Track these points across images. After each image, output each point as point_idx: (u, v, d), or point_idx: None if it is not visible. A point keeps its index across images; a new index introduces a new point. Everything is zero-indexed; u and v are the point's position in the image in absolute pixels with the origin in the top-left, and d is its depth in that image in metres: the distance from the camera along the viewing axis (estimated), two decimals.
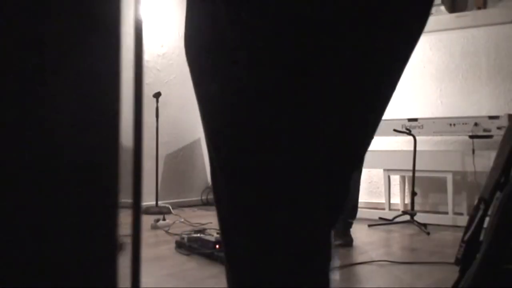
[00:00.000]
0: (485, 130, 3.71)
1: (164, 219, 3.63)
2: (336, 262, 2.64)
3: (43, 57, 0.48)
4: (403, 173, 4.23)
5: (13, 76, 0.46)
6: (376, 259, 2.56)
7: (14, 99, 0.46)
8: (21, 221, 0.47)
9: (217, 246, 2.48)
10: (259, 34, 0.75)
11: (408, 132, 3.87)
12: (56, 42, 0.49)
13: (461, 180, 4.11)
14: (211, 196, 4.91)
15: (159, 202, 4.50)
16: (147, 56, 4.87)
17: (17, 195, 0.47)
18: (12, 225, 0.47)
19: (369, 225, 3.72)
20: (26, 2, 0.47)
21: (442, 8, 4.30)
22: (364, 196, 4.29)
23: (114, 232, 0.54)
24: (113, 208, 0.54)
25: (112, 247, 0.54)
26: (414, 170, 3.75)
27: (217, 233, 2.69)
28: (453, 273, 1.48)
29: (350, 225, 3.08)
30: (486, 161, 3.54)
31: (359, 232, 3.36)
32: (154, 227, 3.57)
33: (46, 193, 0.49)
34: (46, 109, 0.48)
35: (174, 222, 3.62)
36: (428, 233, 3.41)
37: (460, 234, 1.48)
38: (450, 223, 3.83)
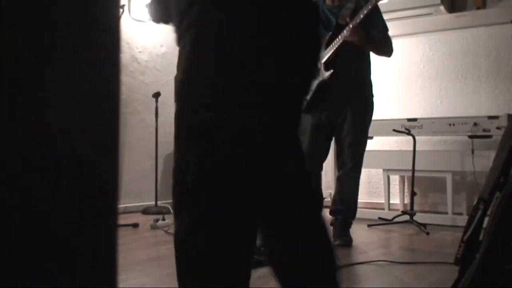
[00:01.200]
0: (484, 130, 3.71)
1: (163, 219, 3.63)
2: None
3: (43, 59, 0.48)
4: (403, 173, 4.23)
5: (12, 79, 0.46)
6: (376, 259, 2.55)
7: (14, 102, 0.46)
8: (20, 220, 0.47)
9: None
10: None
11: (408, 132, 3.87)
12: (55, 43, 0.49)
13: (461, 180, 4.11)
14: None
15: (159, 202, 4.51)
16: (147, 56, 4.87)
17: (16, 195, 0.47)
18: (10, 224, 0.47)
19: (369, 225, 3.72)
20: (26, 5, 0.47)
21: (442, 8, 4.30)
22: (363, 196, 4.29)
23: (113, 231, 0.54)
24: (112, 208, 0.54)
25: (111, 247, 0.54)
26: (413, 170, 3.76)
27: None
28: (452, 273, 1.48)
29: (349, 225, 3.08)
30: (485, 161, 3.54)
31: (358, 232, 3.36)
32: (154, 227, 3.57)
33: (45, 192, 0.49)
34: (45, 110, 0.48)
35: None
36: (428, 233, 3.41)
37: (459, 234, 1.48)
38: (449, 223, 3.83)
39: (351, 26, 2.84)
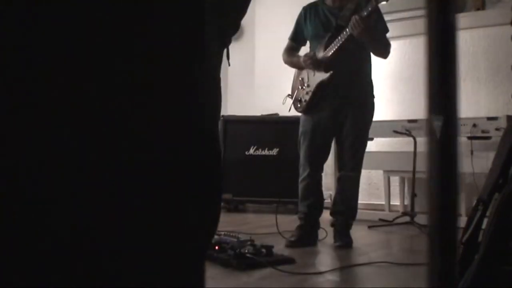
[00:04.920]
0: (483, 132, 3.71)
1: None
2: (335, 263, 2.65)
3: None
4: (403, 175, 4.24)
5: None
6: (376, 261, 2.56)
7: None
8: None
9: (217, 247, 2.48)
10: None
11: (408, 133, 3.87)
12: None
13: (460, 181, 4.11)
14: None
15: None
16: None
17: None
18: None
19: (369, 226, 3.72)
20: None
21: None
22: (363, 197, 4.30)
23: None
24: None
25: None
26: (414, 172, 3.75)
27: (217, 235, 2.69)
28: None
29: (349, 226, 3.08)
30: (484, 162, 3.54)
31: (359, 233, 3.37)
32: None
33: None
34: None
35: None
36: None
37: (458, 235, 1.49)
38: None
39: (357, 17, 2.76)
